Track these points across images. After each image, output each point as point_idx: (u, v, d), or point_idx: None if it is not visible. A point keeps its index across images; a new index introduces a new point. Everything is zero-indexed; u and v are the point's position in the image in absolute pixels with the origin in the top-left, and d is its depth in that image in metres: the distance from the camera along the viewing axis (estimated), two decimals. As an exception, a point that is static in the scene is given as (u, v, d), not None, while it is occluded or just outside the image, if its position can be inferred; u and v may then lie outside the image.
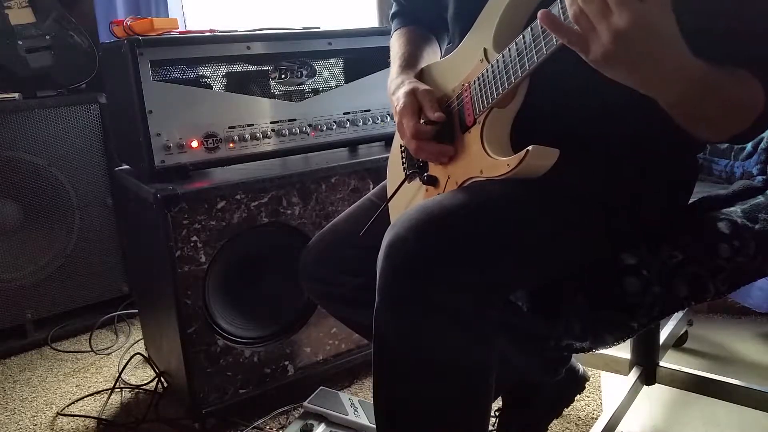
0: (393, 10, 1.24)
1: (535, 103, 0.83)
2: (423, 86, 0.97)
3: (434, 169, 0.98)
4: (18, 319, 2.01)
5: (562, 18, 0.67)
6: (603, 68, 0.67)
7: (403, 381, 0.79)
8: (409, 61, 1.08)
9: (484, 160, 0.84)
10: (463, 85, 0.90)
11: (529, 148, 0.76)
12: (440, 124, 0.92)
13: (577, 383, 1.34)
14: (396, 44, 1.14)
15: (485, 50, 0.85)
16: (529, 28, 0.74)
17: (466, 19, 0.92)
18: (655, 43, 0.63)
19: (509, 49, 0.78)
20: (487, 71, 0.83)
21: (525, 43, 0.75)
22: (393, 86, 1.03)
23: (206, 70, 1.51)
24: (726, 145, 1.19)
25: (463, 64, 0.91)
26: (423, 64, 1.07)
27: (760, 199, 0.97)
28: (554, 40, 0.69)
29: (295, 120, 1.60)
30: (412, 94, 0.95)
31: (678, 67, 0.66)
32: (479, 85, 0.85)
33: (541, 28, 0.71)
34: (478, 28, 0.89)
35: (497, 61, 0.81)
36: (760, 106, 0.73)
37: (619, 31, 0.62)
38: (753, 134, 0.78)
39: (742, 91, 0.72)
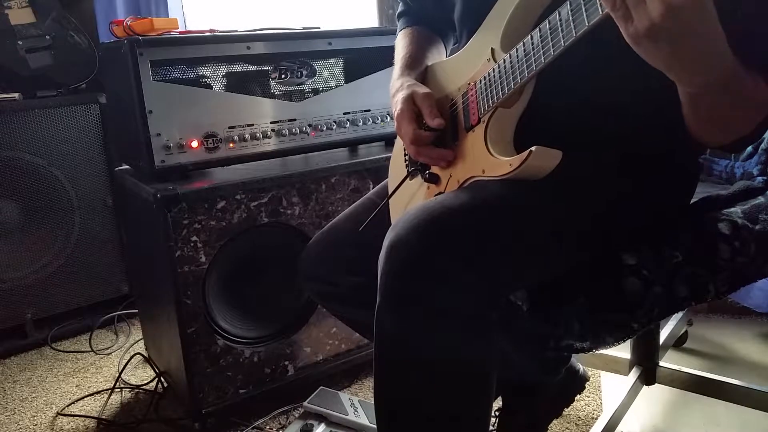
0: (399, 9, 1.24)
1: (539, 103, 0.83)
2: (422, 90, 0.96)
3: (436, 167, 0.98)
4: (18, 319, 2.01)
5: None
6: (644, 44, 0.62)
7: (404, 381, 0.79)
8: (412, 62, 1.08)
9: (486, 159, 0.84)
10: (468, 84, 0.90)
11: (532, 148, 0.76)
12: (440, 129, 0.92)
13: (577, 383, 1.34)
14: (400, 44, 1.14)
15: (492, 50, 0.85)
16: (537, 29, 0.74)
17: (473, 20, 0.92)
18: (704, 21, 0.60)
19: (516, 50, 0.78)
20: (493, 71, 0.83)
21: (533, 43, 0.75)
22: (393, 89, 1.03)
23: (206, 70, 1.51)
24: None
25: (470, 63, 0.91)
26: (426, 65, 1.07)
27: (761, 199, 0.97)
28: (562, 41, 0.69)
29: (295, 120, 1.60)
30: (410, 99, 0.95)
31: (717, 52, 0.63)
32: (485, 84, 0.85)
33: (550, 29, 0.70)
34: (486, 29, 0.89)
35: (504, 60, 0.81)
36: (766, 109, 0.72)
37: (673, 5, 0.57)
38: (753, 138, 0.77)
39: (756, 90, 0.70)
